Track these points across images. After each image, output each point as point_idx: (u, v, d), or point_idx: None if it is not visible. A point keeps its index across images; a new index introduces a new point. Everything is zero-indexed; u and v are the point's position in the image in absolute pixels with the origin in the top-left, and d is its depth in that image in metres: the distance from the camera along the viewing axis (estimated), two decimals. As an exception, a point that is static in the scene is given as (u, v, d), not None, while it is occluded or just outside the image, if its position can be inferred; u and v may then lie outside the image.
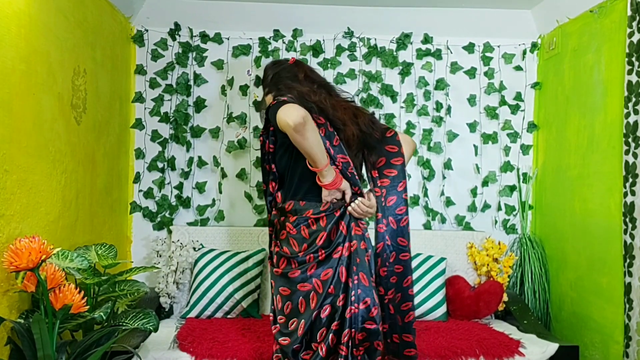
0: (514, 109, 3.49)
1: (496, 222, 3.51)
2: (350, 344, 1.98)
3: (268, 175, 2.24)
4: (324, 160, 2.00)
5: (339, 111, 2.13)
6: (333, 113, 2.11)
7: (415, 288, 2.99)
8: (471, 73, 3.47)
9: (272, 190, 2.23)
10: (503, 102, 3.48)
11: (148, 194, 3.37)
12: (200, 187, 3.39)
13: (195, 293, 2.98)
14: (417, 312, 2.98)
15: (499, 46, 3.48)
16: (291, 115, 1.91)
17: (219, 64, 3.40)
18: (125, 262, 3.09)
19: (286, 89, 2.17)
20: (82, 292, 1.89)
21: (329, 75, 3.43)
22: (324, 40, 3.43)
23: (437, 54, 3.46)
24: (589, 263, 2.90)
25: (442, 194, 3.48)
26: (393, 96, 3.45)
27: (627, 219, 2.54)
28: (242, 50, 3.40)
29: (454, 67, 3.47)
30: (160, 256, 3.15)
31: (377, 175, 2.17)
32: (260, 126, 2.45)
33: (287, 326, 2.04)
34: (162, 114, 3.37)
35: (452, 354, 2.51)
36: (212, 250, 3.12)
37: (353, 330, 1.98)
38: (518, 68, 3.49)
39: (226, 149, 3.38)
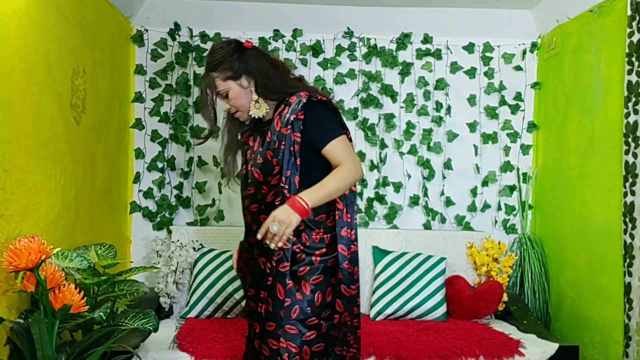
0: (514, 109, 3.48)
1: (496, 222, 3.51)
2: None
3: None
4: None
5: None
6: None
7: (415, 288, 3.00)
8: (471, 73, 3.47)
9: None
10: (503, 102, 3.47)
11: (148, 194, 3.37)
12: (200, 187, 3.38)
13: (195, 293, 2.98)
14: (417, 312, 2.98)
15: (498, 46, 3.47)
16: (359, 167, 1.88)
17: (218, 64, 3.39)
18: (124, 262, 3.09)
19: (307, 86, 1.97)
20: (82, 292, 1.89)
21: (328, 75, 3.43)
22: (323, 40, 3.43)
23: (437, 54, 3.46)
24: (589, 263, 2.90)
25: (442, 193, 3.48)
26: (393, 96, 3.44)
27: (627, 219, 2.54)
28: (241, 50, 3.39)
29: (454, 67, 3.46)
30: (160, 256, 3.15)
31: None
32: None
33: None
34: (161, 114, 3.37)
35: (452, 354, 2.51)
36: (211, 250, 3.12)
37: None
38: (518, 68, 3.48)
39: (226, 149, 3.38)
